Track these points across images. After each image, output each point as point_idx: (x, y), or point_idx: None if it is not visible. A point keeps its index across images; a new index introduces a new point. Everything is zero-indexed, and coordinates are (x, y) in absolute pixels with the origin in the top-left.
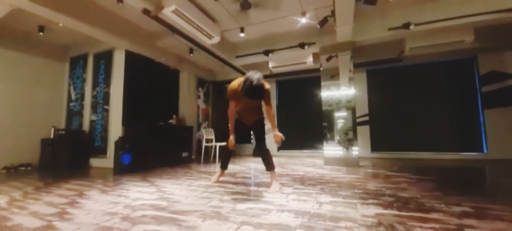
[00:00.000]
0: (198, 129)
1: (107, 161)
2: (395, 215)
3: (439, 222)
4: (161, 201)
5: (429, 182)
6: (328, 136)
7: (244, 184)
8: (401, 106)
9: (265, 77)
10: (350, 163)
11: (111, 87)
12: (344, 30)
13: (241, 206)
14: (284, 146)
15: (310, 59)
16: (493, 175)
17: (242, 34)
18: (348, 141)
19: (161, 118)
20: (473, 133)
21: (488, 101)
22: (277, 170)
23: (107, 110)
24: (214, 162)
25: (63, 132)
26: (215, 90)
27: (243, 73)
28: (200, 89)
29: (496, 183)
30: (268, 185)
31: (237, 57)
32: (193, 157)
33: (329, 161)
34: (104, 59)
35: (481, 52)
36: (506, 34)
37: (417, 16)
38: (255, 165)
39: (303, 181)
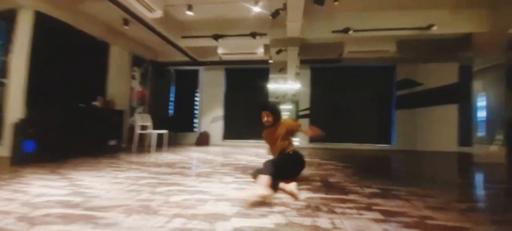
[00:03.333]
0: (132, 114)
1: (2, 149)
2: (322, 198)
3: (355, 202)
4: (74, 197)
5: (351, 168)
6: None
7: (182, 174)
8: (337, 102)
9: (214, 63)
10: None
11: (12, 55)
12: (294, 26)
13: (175, 198)
14: (228, 135)
15: (261, 50)
16: (397, 162)
17: (189, 13)
18: None
19: (83, 99)
20: (386, 128)
21: (399, 103)
22: (221, 159)
23: (3, 84)
24: (149, 151)
25: None
26: (155, 72)
27: (190, 57)
28: (136, 68)
29: (398, 169)
30: (208, 175)
31: (183, 37)
32: (123, 145)
33: None
34: (4, 19)
35: (399, 62)
36: (418, 48)
37: (355, 23)
38: (198, 154)
39: (245, 170)
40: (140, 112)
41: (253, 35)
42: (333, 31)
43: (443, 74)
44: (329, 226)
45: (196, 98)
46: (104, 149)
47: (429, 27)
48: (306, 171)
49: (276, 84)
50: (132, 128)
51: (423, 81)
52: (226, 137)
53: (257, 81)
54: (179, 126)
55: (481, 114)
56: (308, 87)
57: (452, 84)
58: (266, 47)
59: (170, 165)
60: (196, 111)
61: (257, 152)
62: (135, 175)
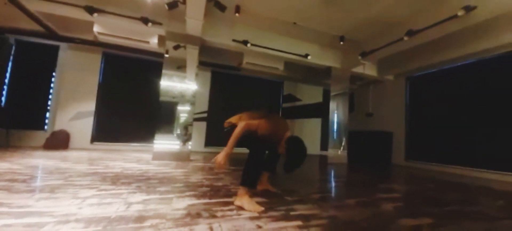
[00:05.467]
0: None
1: None
2: (205, 203)
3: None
4: None
5: (240, 171)
6: (165, 128)
7: (10, 190)
8: (233, 108)
9: (85, 42)
10: (181, 157)
11: None
12: (194, 23)
13: None
14: (100, 137)
15: (154, 40)
16: (279, 165)
17: None
18: (188, 135)
19: None
20: None
21: (285, 114)
22: (83, 167)
23: None
24: None
25: None
26: None
27: (43, 24)
28: None
29: (279, 170)
30: (54, 190)
31: None
32: None
33: (159, 156)
34: None
35: (286, 79)
36: (299, 71)
37: (253, 38)
38: (45, 161)
39: (116, 179)
40: None
41: (145, 20)
42: (234, 40)
43: (313, 94)
44: None
45: (51, 85)
46: None
47: (306, 56)
48: (194, 177)
49: (170, 82)
50: None
51: (301, 98)
52: (97, 138)
53: (146, 74)
54: (16, 121)
55: (334, 127)
56: (207, 90)
57: (318, 103)
58: (162, 39)
59: None
60: (49, 102)
61: (139, 157)
62: None
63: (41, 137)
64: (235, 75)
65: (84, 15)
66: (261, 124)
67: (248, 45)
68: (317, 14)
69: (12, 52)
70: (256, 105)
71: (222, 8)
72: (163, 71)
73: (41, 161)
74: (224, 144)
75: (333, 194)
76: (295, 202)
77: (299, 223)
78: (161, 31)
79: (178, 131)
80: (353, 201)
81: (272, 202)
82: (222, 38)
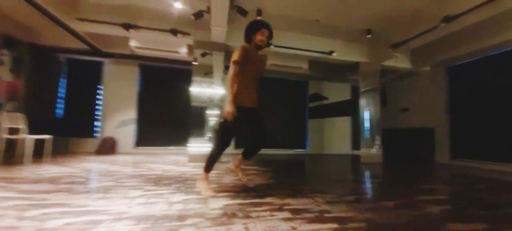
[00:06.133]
0: None
1: None
2: (239, 204)
3: (269, 204)
4: None
5: (269, 172)
6: (196, 132)
7: (70, 192)
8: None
9: (124, 57)
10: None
11: None
12: (218, 31)
13: (54, 223)
14: (142, 142)
15: (184, 50)
16: (310, 165)
17: None
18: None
19: None
20: (302, 135)
21: (311, 113)
22: (129, 170)
23: None
24: (22, 162)
25: None
26: (34, 58)
27: (88, 43)
28: (5, 51)
29: (309, 171)
30: (107, 191)
31: (79, 19)
32: None
33: (194, 158)
34: None
35: (311, 79)
36: (324, 69)
37: (276, 40)
38: (98, 165)
39: (158, 181)
40: (9, 111)
41: (174, 32)
42: None
43: (341, 91)
44: None
45: (98, 97)
46: None
47: (331, 53)
48: (227, 178)
49: (199, 88)
50: None
51: (328, 96)
52: (139, 143)
53: (178, 82)
54: (71, 130)
55: (366, 124)
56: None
57: (346, 100)
58: (190, 48)
59: (52, 180)
60: (98, 113)
61: (177, 160)
62: None
63: (93, 143)
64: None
65: (121, 32)
66: (236, 60)
67: (271, 47)
68: (340, 9)
69: (65, 70)
70: (281, 106)
71: (244, 13)
72: (193, 78)
73: (94, 165)
74: None
75: (368, 196)
76: (328, 204)
77: (335, 225)
78: (189, 40)
79: (209, 134)
80: (391, 203)
81: (308, 203)
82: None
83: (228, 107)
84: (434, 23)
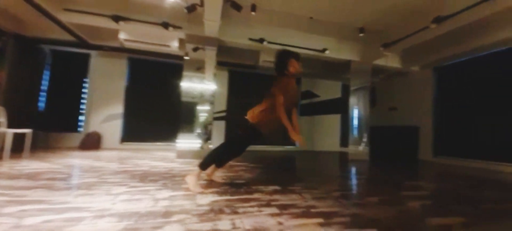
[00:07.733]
0: None
1: None
2: (226, 200)
3: (257, 200)
4: None
5: (259, 169)
6: (186, 128)
7: (50, 188)
8: (252, 106)
9: (113, 49)
10: (203, 155)
11: None
12: (211, 25)
13: (32, 220)
14: (129, 137)
15: (175, 44)
16: (299, 162)
17: None
18: (208, 133)
19: None
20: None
21: (303, 110)
22: (114, 166)
23: None
24: (0, 157)
25: None
26: (18, 49)
27: (75, 34)
28: None
29: (299, 167)
30: (90, 187)
31: (66, 10)
32: None
33: (182, 154)
34: None
35: (303, 76)
36: (315, 67)
37: (269, 36)
38: (81, 161)
39: (144, 177)
40: None
41: (165, 25)
42: (250, 39)
43: (331, 89)
44: (229, 227)
45: (83, 90)
46: None
47: (324, 50)
48: (215, 175)
49: (190, 83)
50: None
51: (320, 94)
52: (125, 139)
53: (168, 77)
54: (54, 124)
55: (355, 122)
56: (226, 89)
57: (337, 98)
58: (182, 42)
59: (32, 176)
60: (82, 107)
61: (164, 156)
62: None
63: (76, 138)
64: (252, 73)
65: (110, 24)
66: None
67: (265, 43)
68: (334, 6)
69: (49, 61)
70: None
71: (238, 8)
72: (184, 73)
73: (77, 161)
74: None
75: (354, 192)
76: (315, 199)
77: (320, 220)
78: (181, 34)
79: (199, 130)
80: (376, 199)
81: (296, 198)
82: (239, 37)
83: (296, 137)
84: (426, 24)
